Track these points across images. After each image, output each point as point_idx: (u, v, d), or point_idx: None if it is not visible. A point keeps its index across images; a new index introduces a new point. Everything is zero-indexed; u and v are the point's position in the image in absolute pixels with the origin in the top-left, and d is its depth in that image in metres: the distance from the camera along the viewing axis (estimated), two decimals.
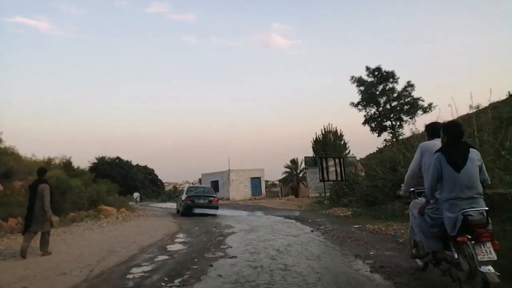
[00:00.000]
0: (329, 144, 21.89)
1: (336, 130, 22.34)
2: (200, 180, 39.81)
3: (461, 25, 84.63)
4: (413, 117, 21.51)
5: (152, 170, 75.40)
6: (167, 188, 79.16)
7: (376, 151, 22.88)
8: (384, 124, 21.91)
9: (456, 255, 3.13)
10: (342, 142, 22.24)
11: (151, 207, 28.05)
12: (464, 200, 3.07)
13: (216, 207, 15.11)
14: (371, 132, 21.59)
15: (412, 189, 3.98)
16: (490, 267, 2.78)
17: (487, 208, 3.07)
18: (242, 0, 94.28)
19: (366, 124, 22.01)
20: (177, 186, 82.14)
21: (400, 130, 21.56)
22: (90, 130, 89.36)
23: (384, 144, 19.12)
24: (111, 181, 58.65)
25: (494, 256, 2.83)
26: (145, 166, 74.13)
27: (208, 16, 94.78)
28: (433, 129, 3.83)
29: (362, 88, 22.07)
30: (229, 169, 34.63)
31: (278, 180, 52.26)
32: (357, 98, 22.26)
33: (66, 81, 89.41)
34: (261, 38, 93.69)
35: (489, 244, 2.88)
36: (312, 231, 8.43)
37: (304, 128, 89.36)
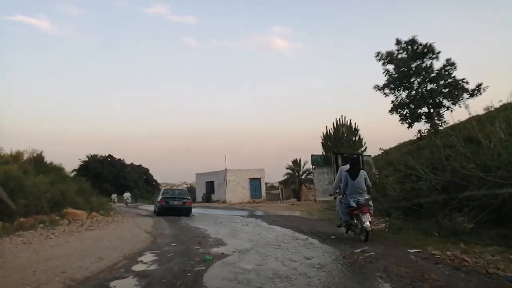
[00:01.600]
0: (341, 140, 18.89)
1: (350, 124, 19.33)
2: (353, 160, 36.12)
3: None
4: (457, 102, 17.47)
5: (147, 170, 72.31)
6: (164, 189, 75.96)
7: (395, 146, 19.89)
8: (417, 111, 18.07)
9: (355, 221, 6.91)
10: (357, 138, 19.21)
11: (140, 209, 25.09)
12: (357, 194, 6.89)
13: (190, 209, 15.78)
14: (400, 122, 17.95)
15: (337, 190, 7.84)
16: (368, 223, 6.49)
17: (368, 197, 6.96)
18: (242, 3, 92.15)
19: (394, 112, 18.19)
20: (174, 187, 78.83)
21: (441, 118, 17.90)
22: (87, 129, 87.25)
23: (418, 136, 15.43)
24: (102, 180, 55.77)
25: (370, 218, 6.66)
26: (140, 165, 71.02)
27: (208, 18, 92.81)
28: (346, 160, 9.61)
29: (390, 66, 18.39)
30: (225, 169, 31.62)
31: (279, 182, 49.02)
32: (379, 80, 18.48)
33: (64, 81, 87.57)
34: (261, 41, 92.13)
35: (367, 214, 6.62)
36: (345, 257, 5.42)
37: (306, 129, 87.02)
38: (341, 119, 19.30)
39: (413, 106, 17.94)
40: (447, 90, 17.51)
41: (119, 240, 8.50)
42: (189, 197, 16.89)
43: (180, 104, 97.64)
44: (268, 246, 6.79)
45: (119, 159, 62.06)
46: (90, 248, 7.31)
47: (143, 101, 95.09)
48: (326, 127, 18.96)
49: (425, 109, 18.01)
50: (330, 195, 8.81)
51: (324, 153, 19.68)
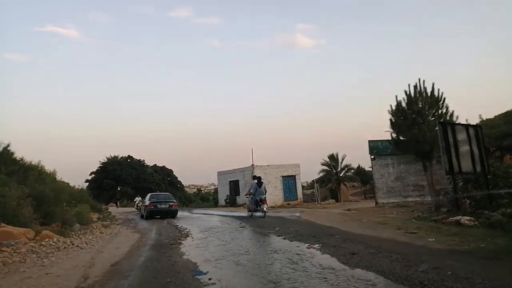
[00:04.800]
0: (421, 113, 12.68)
1: (433, 91, 13.05)
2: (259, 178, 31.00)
3: None
4: None
5: (171, 171, 68.19)
6: (191, 191, 72.15)
7: None
8: None
9: (259, 208, 13.69)
10: (443, 111, 12.90)
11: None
12: (260, 195, 13.93)
13: (176, 211, 16.85)
14: None
15: (250, 192, 14.33)
16: (265, 208, 13.75)
17: (265, 196, 14.16)
18: (265, 2, 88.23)
19: None
20: (202, 189, 75.11)
21: None
22: (116, 133, 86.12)
23: None
24: (122, 183, 51.72)
25: (266, 206, 14.10)
26: (163, 166, 67.08)
27: (231, 19, 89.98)
28: (254, 178, 15.60)
29: None
30: (252, 165, 25.86)
31: (313, 181, 42.07)
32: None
33: (94, 86, 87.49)
34: (285, 39, 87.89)
35: (265, 204, 13.99)
36: None
37: (335, 125, 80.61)
38: (418, 84, 12.94)
39: None
40: None
41: None
42: (175, 201, 18.35)
43: (205, 106, 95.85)
44: None
45: (139, 159, 58.06)
46: None
47: (169, 103, 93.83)
48: (396, 97, 12.65)
49: None
50: (246, 195, 15.44)
51: (395, 135, 13.37)
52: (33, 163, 15.76)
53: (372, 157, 16.87)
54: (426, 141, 12.54)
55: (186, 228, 11.56)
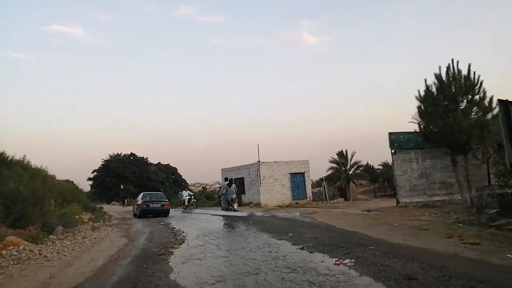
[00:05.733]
0: (455, 99, 10.89)
1: (469, 74, 11.25)
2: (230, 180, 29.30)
3: None
4: None
5: (175, 169, 66.77)
6: (196, 189, 70.77)
7: None
8: None
9: (230, 207, 15.56)
10: (481, 96, 11.09)
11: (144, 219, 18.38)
12: (232, 194, 15.83)
13: (168, 210, 17.13)
14: None
15: (223, 192, 16.80)
16: (235, 207, 15.82)
17: (235, 196, 16.31)
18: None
19: None
20: (207, 187, 73.70)
21: None
22: (121, 132, 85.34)
23: None
24: (124, 181, 50.37)
25: (236, 204, 16.22)
26: (167, 164, 65.67)
27: (235, 16, 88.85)
28: (226, 179, 17.23)
29: None
30: (258, 161, 24.18)
31: (321, 179, 40.21)
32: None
33: (97, 85, 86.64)
34: (289, 36, 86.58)
35: (236, 203, 16.05)
36: None
37: (340, 121, 78.58)
38: (451, 66, 11.12)
39: None
40: None
41: None
42: (167, 200, 18.39)
43: (208, 104, 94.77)
44: None
45: (142, 157, 56.63)
46: None
47: (173, 100, 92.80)
48: (425, 81, 10.91)
49: None
50: (218, 196, 16.83)
51: (422, 125, 11.59)
52: (16, 158, 14.40)
53: (393, 151, 15.06)
54: (461, 130, 10.76)
55: (183, 232, 9.98)
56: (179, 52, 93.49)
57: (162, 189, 52.31)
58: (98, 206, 21.38)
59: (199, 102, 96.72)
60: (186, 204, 26.24)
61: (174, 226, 11.84)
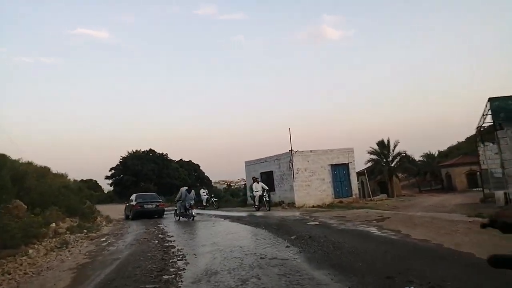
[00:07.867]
0: None
1: None
2: (190, 187, 24.94)
3: None
4: None
5: (198, 166, 63.25)
6: (220, 187, 67.20)
7: None
8: None
9: (188, 212, 14.12)
10: None
11: (140, 224, 14.83)
12: (190, 200, 14.28)
13: (162, 210, 16.88)
14: None
15: (180, 199, 14.74)
16: (194, 213, 14.04)
17: (193, 202, 14.63)
18: None
19: None
20: (232, 185, 69.86)
21: None
22: (143, 131, 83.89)
23: None
24: (142, 179, 47.08)
25: (195, 211, 14.37)
26: (190, 161, 62.21)
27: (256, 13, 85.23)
28: (185, 186, 17.08)
29: None
30: (291, 150, 19.39)
31: (362, 171, 34.35)
32: None
33: (125, 87, 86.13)
34: (312, 31, 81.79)
35: (194, 209, 14.28)
36: None
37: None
38: None
39: None
40: None
41: None
42: (161, 200, 18.30)
43: (233, 100, 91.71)
44: None
45: (162, 153, 53.27)
46: None
47: (198, 100, 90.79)
48: None
49: None
50: (175, 202, 15.73)
51: None
52: None
53: (499, 124, 10.03)
54: None
55: (180, 251, 5.72)
56: (201, 49, 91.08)
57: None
58: (94, 208, 17.78)
59: (223, 99, 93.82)
60: (204, 204, 22.38)
61: (173, 239, 7.54)
